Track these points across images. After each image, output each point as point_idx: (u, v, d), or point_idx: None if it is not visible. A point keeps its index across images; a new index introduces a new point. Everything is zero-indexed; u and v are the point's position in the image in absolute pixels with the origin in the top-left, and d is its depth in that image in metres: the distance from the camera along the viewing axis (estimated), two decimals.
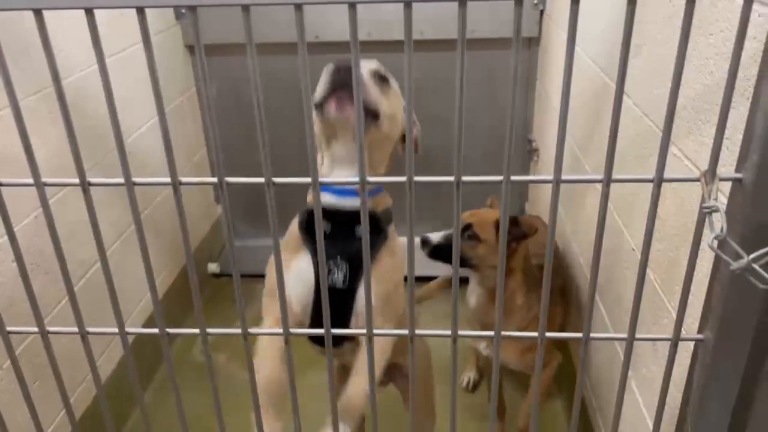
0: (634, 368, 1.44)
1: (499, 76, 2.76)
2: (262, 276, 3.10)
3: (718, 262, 0.71)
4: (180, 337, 2.59)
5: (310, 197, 1.22)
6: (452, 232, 1.57)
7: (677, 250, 1.18)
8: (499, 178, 0.66)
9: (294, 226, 1.28)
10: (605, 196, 0.65)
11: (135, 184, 0.67)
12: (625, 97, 1.47)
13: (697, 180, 0.64)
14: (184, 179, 0.67)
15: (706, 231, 0.90)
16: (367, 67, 1.20)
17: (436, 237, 1.72)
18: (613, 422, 0.80)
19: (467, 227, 1.68)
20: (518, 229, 1.65)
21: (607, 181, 0.64)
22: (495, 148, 2.87)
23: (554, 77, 2.45)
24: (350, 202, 1.12)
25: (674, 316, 1.19)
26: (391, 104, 1.18)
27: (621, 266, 1.57)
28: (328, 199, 1.18)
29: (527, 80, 2.79)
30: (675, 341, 0.73)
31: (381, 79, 1.20)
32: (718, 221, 0.62)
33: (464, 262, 1.68)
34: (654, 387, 1.32)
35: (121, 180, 0.66)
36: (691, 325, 1.08)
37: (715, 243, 0.62)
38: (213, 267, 2.92)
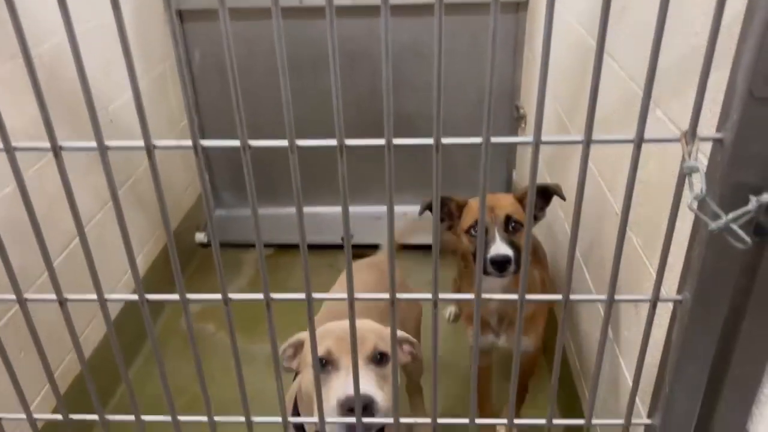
0: (615, 331, 1.46)
1: (486, 42, 2.72)
2: (249, 245, 3.08)
3: (697, 222, 0.71)
4: (169, 307, 2.60)
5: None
6: (502, 240, 1.44)
7: (660, 212, 1.18)
8: (479, 139, 0.65)
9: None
10: (585, 158, 0.64)
11: (108, 148, 0.66)
12: (610, 61, 1.45)
13: (678, 140, 0.63)
14: (158, 142, 0.65)
15: (686, 192, 0.91)
16: (363, 355, 1.10)
17: (504, 249, 1.46)
18: (591, 381, 0.81)
19: (508, 219, 1.52)
20: (548, 193, 1.60)
21: (587, 142, 0.63)
22: (482, 115, 2.86)
23: (542, 43, 2.42)
24: None
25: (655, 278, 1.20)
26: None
27: (605, 230, 1.58)
28: None
29: (515, 46, 2.76)
30: (654, 302, 0.73)
31: (380, 360, 1.12)
32: (698, 182, 0.61)
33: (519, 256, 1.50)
34: (635, 348, 1.34)
35: (94, 144, 0.65)
36: (672, 287, 1.08)
37: (695, 203, 0.62)
38: (200, 236, 2.92)
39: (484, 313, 1.69)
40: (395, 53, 2.74)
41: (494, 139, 0.65)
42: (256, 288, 2.73)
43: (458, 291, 1.90)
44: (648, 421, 0.86)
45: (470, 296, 0.73)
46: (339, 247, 2.84)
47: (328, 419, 0.83)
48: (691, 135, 0.62)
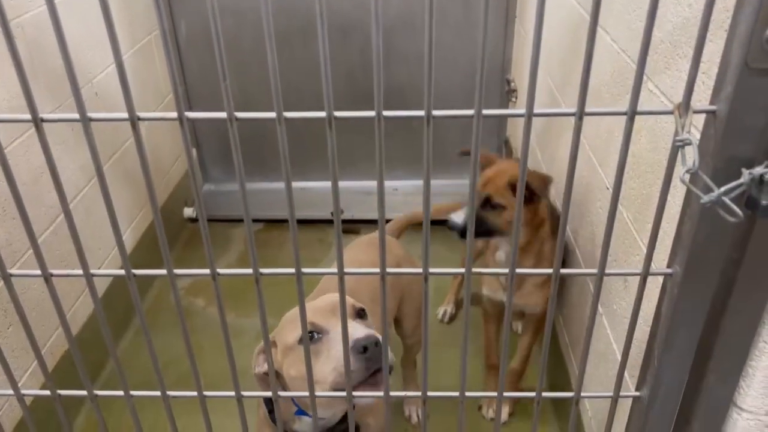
0: (604, 304, 1.46)
1: (478, 13, 2.69)
2: (238, 220, 3.08)
3: (689, 196, 0.71)
4: (159, 280, 2.59)
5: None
6: (470, 208, 1.51)
7: (650, 187, 1.18)
8: (471, 112, 0.64)
9: (262, 413, 1.30)
10: (578, 130, 0.63)
11: (90, 120, 0.64)
12: (602, 33, 1.44)
13: (671, 113, 0.63)
14: (142, 115, 0.64)
15: (678, 165, 0.91)
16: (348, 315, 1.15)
17: (459, 218, 1.62)
18: (582, 357, 0.81)
19: (487, 200, 1.59)
20: (531, 189, 1.56)
21: (580, 114, 0.63)
22: (473, 88, 2.84)
23: (533, 15, 2.39)
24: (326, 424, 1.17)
25: (645, 252, 1.20)
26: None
27: (595, 205, 1.58)
28: (304, 422, 1.22)
29: (506, 19, 2.73)
30: (644, 276, 0.73)
31: (362, 316, 1.21)
32: (690, 155, 0.61)
33: (493, 231, 1.62)
34: (624, 322, 1.35)
35: (76, 116, 0.63)
36: (662, 261, 1.09)
37: (687, 177, 0.61)
38: (189, 211, 2.89)
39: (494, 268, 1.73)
40: (386, 24, 2.70)
41: (486, 112, 0.64)
42: (246, 263, 2.73)
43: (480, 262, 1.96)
44: (636, 394, 0.86)
45: (461, 270, 0.73)
46: (329, 222, 2.84)
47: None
48: (684, 107, 0.61)
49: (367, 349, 1.03)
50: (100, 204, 2.18)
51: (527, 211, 1.59)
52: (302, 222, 2.81)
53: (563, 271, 0.73)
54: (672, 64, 1.07)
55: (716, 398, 0.85)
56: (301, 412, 1.19)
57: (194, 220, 2.92)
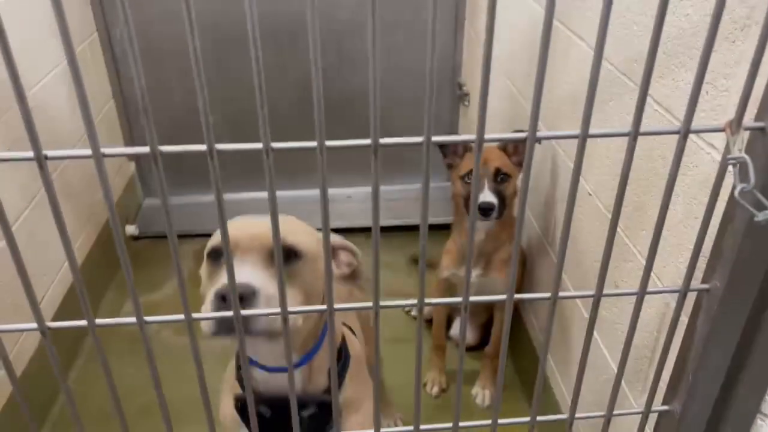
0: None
1: (428, 16, 2.59)
2: (185, 236, 2.88)
3: (730, 212, 0.67)
4: (110, 298, 2.45)
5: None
6: (481, 184, 1.63)
7: (644, 194, 1.13)
8: (420, 139, 0.56)
9: (225, 407, 1.13)
10: (581, 150, 0.56)
11: (47, 158, 0.52)
12: (577, 41, 1.38)
13: (723, 130, 0.59)
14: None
15: (684, 180, 0.88)
16: (260, 248, 0.92)
17: (490, 196, 1.66)
18: (576, 382, 0.77)
19: (497, 172, 1.69)
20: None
21: (584, 137, 0.55)
22: (424, 91, 2.74)
23: (485, 17, 2.32)
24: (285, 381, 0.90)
25: (641, 260, 1.15)
26: (302, 280, 0.95)
27: (576, 211, 1.51)
28: (261, 378, 1.03)
29: (456, 21, 2.64)
30: (684, 292, 0.70)
31: (285, 257, 0.92)
32: (744, 173, 0.58)
33: (505, 204, 1.70)
34: (615, 328, 1.30)
35: (30, 154, 0.51)
36: (661, 270, 1.02)
37: (742, 194, 0.58)
38: (131, 229, 2.70)
39: (466, 249, 1.70)
40: (337, 29, 2.58)
41: (435, 139, 0.57)
42: (197, 282, 2.57)
43: (451, 243, 1.95)
44: (666, 408, 0.83)
45: (413, 302, 0.65)
46: None
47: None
48: (736, 125, 0.58)
49: (225, 300, 0.83)
50: (42, 226, 2.01)
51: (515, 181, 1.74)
52: None
53: (517, 296, 0.68)
54: (667, 74, 1.03)
55: (745, 407, 0.81)
56: (252, 362, 1.02)
57: (137, 238, 2.74)
